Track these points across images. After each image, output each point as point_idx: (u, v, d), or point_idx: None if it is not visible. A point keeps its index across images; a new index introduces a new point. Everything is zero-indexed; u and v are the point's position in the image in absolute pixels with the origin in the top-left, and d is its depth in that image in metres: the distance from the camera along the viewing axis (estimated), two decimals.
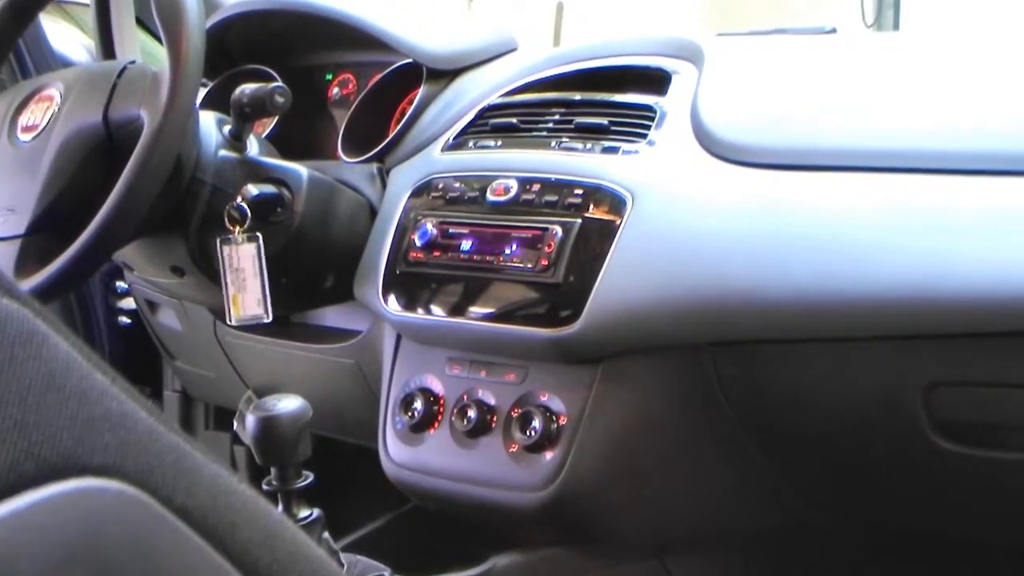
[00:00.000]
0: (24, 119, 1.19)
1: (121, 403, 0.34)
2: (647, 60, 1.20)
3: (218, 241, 1.16)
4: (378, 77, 1.37)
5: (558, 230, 1.06)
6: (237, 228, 1.15)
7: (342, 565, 1.11)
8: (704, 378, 1.02)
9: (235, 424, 1.52)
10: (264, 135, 1.38)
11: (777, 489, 1.10)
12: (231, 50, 1.48)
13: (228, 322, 1.18)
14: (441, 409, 1.13)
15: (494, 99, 1.25)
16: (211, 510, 0.35)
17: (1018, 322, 0.87)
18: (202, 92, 1.45)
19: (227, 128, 1.19)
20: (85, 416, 0.32)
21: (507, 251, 1.08)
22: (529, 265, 1.06)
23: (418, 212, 1.17)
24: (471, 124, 1.24)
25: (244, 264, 1.16)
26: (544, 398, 1.07)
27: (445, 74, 1.33)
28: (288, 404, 1.01)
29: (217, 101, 1.34)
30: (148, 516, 0.33)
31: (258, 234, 1.15)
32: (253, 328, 1.23)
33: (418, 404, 1.14)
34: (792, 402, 1.01)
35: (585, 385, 1.05)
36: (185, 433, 0.36)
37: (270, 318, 1.16)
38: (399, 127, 1.28)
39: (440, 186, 1.17)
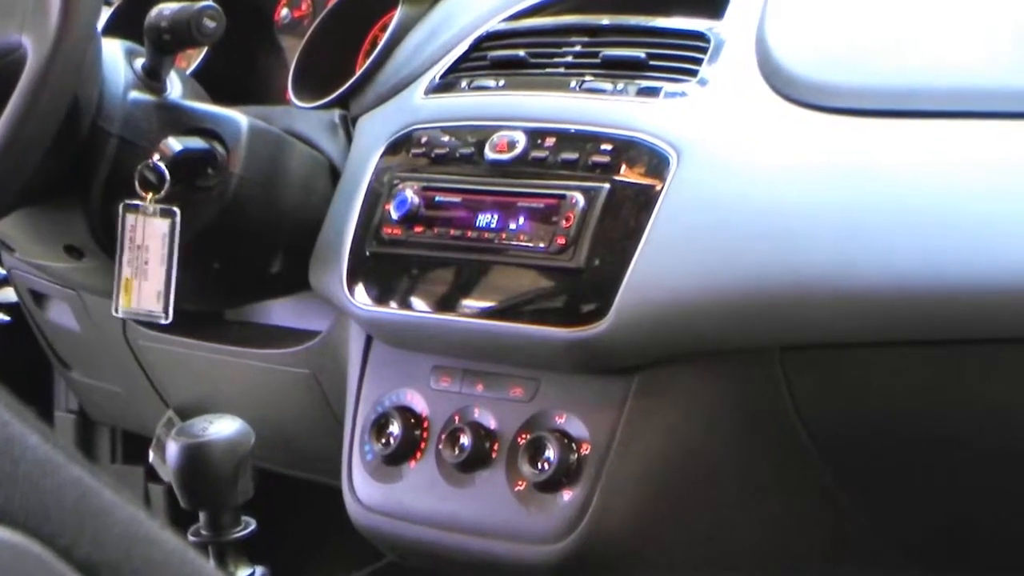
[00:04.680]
0: None
1: (5, 426, 0.34)
2: None
3: (121, 206, 1.16)
4: None
5: (579, 198, 1.06)
6: (151, 195, 1.15)
7: None
8: (772, 393, 1.03)
9: (151, 455, 1.52)
10: (189, 71, 1.38)
11: (863, 536, 1.11)
12: None
13: (113, 311, 1.18)
14: (425, 434, 1.13)
15: (495, 24, 1.25)
16: (125, 564, 0.35)
17: None
18: (106, 12, 1.44)
19: (140, 62, 1.19)
20: None
21: (512, 226, 1.09)
22: (541, 244, 1.06)
23: (394, 174, 1.17)
24: (464, 57, 1.24)
25: (149, 243, 1.16)
26: (560, 420, 1.07)
27: None
28: (222, 428, 1.01)
29: (126, 26, 1.34)
30: (43, 572, 0.33)
31: (175, 209, 1.15)
32: (174, 327, 1.23)
33: (394, 428, 1.14)
34: (887, 424, 1.02)
35: (615, 403, 1.05)
36: (90, 464, 0.36)
37: (169, 320, 1.17)
38: (369, 61, 1.28)
39: (423, 140, 1.18)
